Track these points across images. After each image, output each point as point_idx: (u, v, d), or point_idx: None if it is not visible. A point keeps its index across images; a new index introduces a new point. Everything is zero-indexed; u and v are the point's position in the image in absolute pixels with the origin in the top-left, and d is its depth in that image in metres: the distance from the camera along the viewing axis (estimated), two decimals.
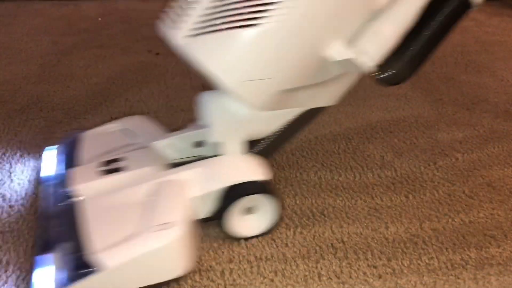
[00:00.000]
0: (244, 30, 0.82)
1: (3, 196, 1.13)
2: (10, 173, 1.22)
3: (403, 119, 1.55)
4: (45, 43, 2.20)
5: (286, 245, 1.00)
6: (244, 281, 0.91)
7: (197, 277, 0.90)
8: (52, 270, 0.82)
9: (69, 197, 0.94)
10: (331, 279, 0.92)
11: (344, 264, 0.96)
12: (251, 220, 0.99)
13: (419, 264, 0.96)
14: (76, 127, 1.46)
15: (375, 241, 1.02)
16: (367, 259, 0.97)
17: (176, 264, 0.86)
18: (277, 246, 1.00)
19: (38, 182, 1.17)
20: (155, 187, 0.92)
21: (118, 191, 0.93)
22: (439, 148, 1.38)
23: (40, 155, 1.23)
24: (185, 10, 0.87)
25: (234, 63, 0.85)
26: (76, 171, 1.00)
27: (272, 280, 0.92)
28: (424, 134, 1.47)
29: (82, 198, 0.93)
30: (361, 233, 1.04)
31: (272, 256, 0.97)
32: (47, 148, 1.22)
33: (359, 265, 0.96)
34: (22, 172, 1.22)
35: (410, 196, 1.17)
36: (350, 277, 0.93)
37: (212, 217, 0.98)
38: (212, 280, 0.91)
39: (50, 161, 1.14)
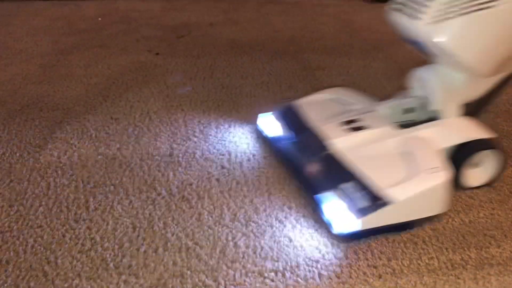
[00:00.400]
0: (481, 12, 1.01)
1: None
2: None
3: None
4: (45, 43, 2.20)
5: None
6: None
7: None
8: (343, 204, 0.99)
9: (325, 149, 1.13)
10: (331, 279, 0.92)
11: (344, 264, 0.96)
12: (477, 172, 1.17)
13: (419, 264, 0.96)
14: (76, 127, 1.46)
15: (375, 241, 1.02)
16: (367, 259, 0.97)
17: (443, 201, 1.04)
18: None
19: (267, 141, 1.36)
20: (403, 141, 1.13)
21: (370, 144, 1.13)
22: None
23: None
24: (426, 1, 1.07)
25: (472, 41, 1.05)
26: (325, 129, 1.19)
27: (272, 280, 0.92)
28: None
29: (342, 149, 1.12)
30: None
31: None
32: (260, 115, 1.42)
33: (359, 265, 0.96)
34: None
35: None
36: (350, 277, 0.93)
37: None
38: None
39: (272, 125, 1.35)
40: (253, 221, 1.07)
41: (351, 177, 1.04)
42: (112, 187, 1.19)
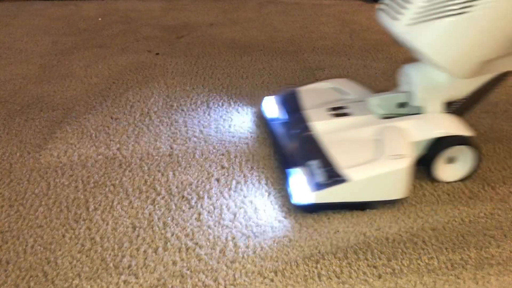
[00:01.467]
0: (456, 17, 1.03)
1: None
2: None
3: None
4: (45, 43, 2.20)
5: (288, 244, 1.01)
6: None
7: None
8: (304, 178, 1.06)
9: (308, 130, 1.21)
10: (331, 279, 0.92)
11: (344, 264, 0.96)
12: (452, 168, 1.20)
13: (419, 264, 0.96)
14: (76, 127, 1.46)
15: (375, 241, 1.02)
16: (367, 259, 0.97)
17: (401, 187, 1.09)
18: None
19: (266, 121, 1.44)
20: (379, 130, 1.17)
21: (349, 129, 1.19)
22: None
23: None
24: (405, 4, 1.09)
25: (447, 45, 1.07)
26: (313, 112, 1.27)
27: (272, 280, 0.92)
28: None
29: (320, 131, 1.19)
30: (361, 233, 1.04)
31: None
32: (265, 97, 1.50)
33: (359, 265, 0.96)
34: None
35: (410, 196, 1.17)
36: (350, 277, 0.93)
37: (416, 163, 1.16)
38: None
39: (272, 107, 1.43)
40: (253, 221, 1.07)
41: (318, 156, 1.11)
42: (112, 187, 1.19)
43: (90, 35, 2.33)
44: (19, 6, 2.81)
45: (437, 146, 1.17)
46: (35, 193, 1.17)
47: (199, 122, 1.50)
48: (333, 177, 1.05)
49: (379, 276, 0.93)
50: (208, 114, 1.55)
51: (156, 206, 1.12)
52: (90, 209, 1.11)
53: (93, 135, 1.43)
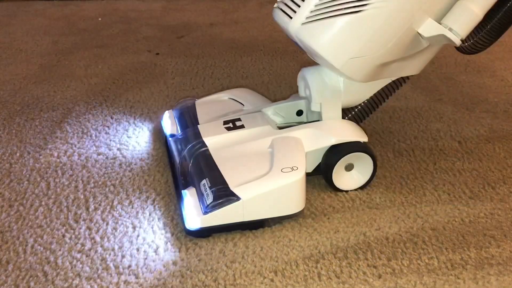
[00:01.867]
0: (349, 16, 0.99)
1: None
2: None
3: (403, 119, 1.55)
4: (45, 43, 2.20)
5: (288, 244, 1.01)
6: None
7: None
8: (195, 200, 1.01)
9: (201, 147, 1.13)
10: (331, 279, 0.92)
11: (344, 264, 0.96)
12: (351, 175, 1.17)
13: (419, 264, 0.96)
14: (76, 127, 1.46)
15: (375, 241, 1.02)
16: (367, 259, 0.97)
17: (296, 201, 1.04)
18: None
19: (163, 137, 1.37)
20: (273, 141, 1.12)
21: (242, 143, 1.13)
22: (439, 148, 1.38)
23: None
24: (299, 1, 1.05)
25: (341, 45, 1.03)
26: (204, 127, 1.21)
27: (272, 280, 0.92)
28: (423, 134, 1.47)
29: (212, 147, 1.12)
30: (361, 233, 1.04)
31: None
32: (165, 112, 1.41)
33: (359, 265, 0.96)
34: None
35: (410, 196, 1.17)
36: (350, 277, 0.93)
37: (312, 173, 1.16)
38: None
39: (168, 122, 1.35)
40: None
41: (209, 175, 1.05)
42: (112, 187, 1.19)
43: (90, 35, 2.33)
44: (19, 6, 2.81)
45: (333, 154, 1.13)
46: (35, 193, 1.17)
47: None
48: (222, 197, 0.98)
49: (379, 276, 0.93)
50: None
51: (156, 206, 1.12)
52: (90, 209, 1.11)
53: (93, 135, 1.43)
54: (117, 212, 1.10)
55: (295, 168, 1.03)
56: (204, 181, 1.04)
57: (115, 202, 1.13)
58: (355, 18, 1.00)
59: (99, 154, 1.33)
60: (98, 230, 1.04)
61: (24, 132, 1.44)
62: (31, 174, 1.24)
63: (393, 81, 1.20)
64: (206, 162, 1.09)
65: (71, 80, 1.81)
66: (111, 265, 0.95)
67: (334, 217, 1.09)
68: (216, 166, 1.06)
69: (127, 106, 1.61)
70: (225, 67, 1.95)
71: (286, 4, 1.10)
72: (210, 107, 1.35)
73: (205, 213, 0.98)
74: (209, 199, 0.99)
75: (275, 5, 1.15)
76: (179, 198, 1.09)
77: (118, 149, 1.35)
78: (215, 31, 2.40)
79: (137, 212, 1.10)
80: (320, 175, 1.18)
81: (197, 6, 2.86)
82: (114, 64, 1.96)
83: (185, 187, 1.07)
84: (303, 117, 1.28)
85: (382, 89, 1.20)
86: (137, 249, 0.99)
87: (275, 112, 1.27)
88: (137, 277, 0.92)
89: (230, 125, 1.20)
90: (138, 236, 1.03)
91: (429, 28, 1.01)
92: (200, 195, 1.02)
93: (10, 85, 1.76)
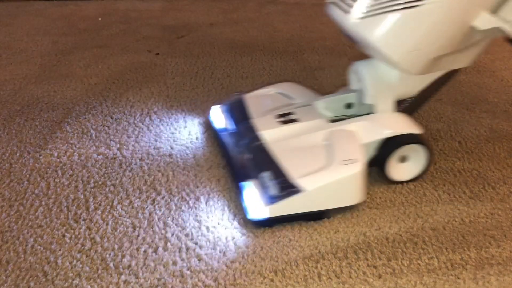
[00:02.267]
0: (406, 11, 1.02)
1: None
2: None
3: None
4: (45, 43, 2.20)
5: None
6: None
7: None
8: (257, 192, 1.04)
9: (257, 140, 1.17)
10: (331, 279, 0.92)
11: (344, 264, 0.96)
12: (405, 167, 1.19)
13: (419, 264, 0.96)
14: (76, 127, 1.46)
15: (375, 241, 1.02)
16: (367, 259, 0.97)
17: (357, 192, 1.07)
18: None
19: (214, 132, 1.40)
20: (328, 134, 1.16)
21: (298, 136, 1.17)
22: (439, 148, 1.38)
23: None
24: None
25: (398, 39, 1.06)
26: (259, 121, 1.24)
27: (272, 280, 0.92)
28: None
29: (269, 140, 1.16)
30: (361, 233, 1.04)
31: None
32: (213, 106, 1.46)
33: (359, 265, 0.96)
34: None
35: (410, 196, 1.17)
36: (350, 277, 0.93)
37: (368, 164, 1.16)
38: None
39: (219, 117, 1.39)
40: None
41: (270, 167, 1.08)
42: (112, 187, 1.19)
43: (90, 35, 2.33)
44: (19, 6, 2.80)
45: (388, 146, 1.15)
46: (35, 193, 1.17)
47: (199, 122, 1.50)
48: (286, 188, 1.02)
49: (379, 276, 0.93)
50: (209, 114, 1.55)
51: (156, 206, 1.12)
52: (90, 209, 1.11)
53: (93, 135, 1.43)
54: (117, 212, 1.10)
55: (355, 160, 1.06)
56: (265, 173, 1.07)
57: (115, 202, 1.13)
58: (412, 12, 1.02)
59: (99, 154, 1.33)
60: (98, 230, 1.04)
61: (24, 132, 1.44)
62: (31, 174, 1.24)
63: (445, 74, 1.22)
64: (265, 155, 1.13)
65: (71, 80, 1.81)
66: (111, 265, 0.95)
67: (334, 217, 1.09)
68: (276, 158, 1.10)
69: (127, 106, 1.61)
70: (225, 67, 1.95)
71: (342, 0, 1.13)
72: (260, 102, 1.39)
73: (270, 203, 1.01)
74: (274, 190, 1.02)
75: (329, 0, 1.19)
76: (238, 190, 1.13)
77: (118, 149, 1.35)
78: (215, 31, 2.40)
79: (137, 212, 1.10)
80: (372, 167, 1.19)
81: (197, 6, 2.86)
82: (114, 64, 1.96)
83: (244, 180, 1.10)
84: (351, 110, 1.29)
85: (433, 81, 1.22)
86: (137, 249, 0.99)
87: (326, 105, 1.29)
88: (137, 277, 0.92)
89: (284, 118, 1.24)
90: (138, 236, 1.03)
91: (485, 21, 1.03)
92: (262, 187, 1.05)
93: (10, 85, 1.76)
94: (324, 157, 1.09)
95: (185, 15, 2.67)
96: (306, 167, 1.06)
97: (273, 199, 1.01)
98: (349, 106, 1.29)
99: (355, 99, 1.28)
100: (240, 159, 1.17)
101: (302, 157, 1.11)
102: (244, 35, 2.35)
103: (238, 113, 1.35)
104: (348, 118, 1.21)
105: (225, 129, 1.33)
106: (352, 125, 1.18)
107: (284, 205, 1.01)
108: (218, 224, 1.06)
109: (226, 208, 1.11)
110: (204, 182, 1.20)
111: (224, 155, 1.29)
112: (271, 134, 1.18)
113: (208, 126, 1.46)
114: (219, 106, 1.44)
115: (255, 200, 1.03)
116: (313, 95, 1.40)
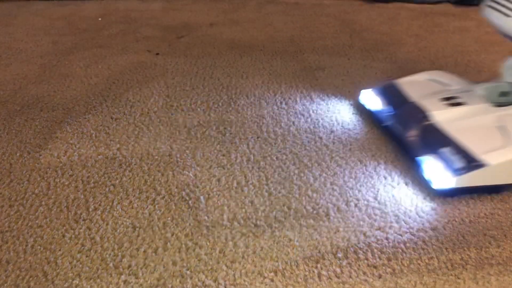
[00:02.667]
0: None
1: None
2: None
3: None
4: (45, 43, 2.20)
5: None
6: None
7: None
8: (440, 165, 1.13)
9: (428, 119, 1.27)
10: (331, 279, 0.92)
11: (344, 264, 0.96)
12: None
13: (419, 264, 0.96)
14: (76, 127, 1.46)
15: (375, 241, 1.02)
16: (367, 259, 0.97)
17: None
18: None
19: (370, 113, 1.51)
20: (496, 118, 1.26)
21: (468, 118, 1.27)
22: None
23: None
24: None
25: None
26: (426, 103, 1.34)
27: (272, 280, 0.92)
28: None
29: (439, 120, 1.26)
30: (361, 233, 1.04)
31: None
32: (362, 90, 1.57)
33: (359, 265, 0.96)
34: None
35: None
36: (350, 277, 0.93)
37: None
38: None
39: (373, 100, 1.50)
40: (252, 221, 1.07)
41: (449, 143, 1.18)
42: (112, 187, 1.19)
43: (90, 35, 2.33)
44: (19, 6, 2.81)
45: None
46: (35, 193, 1.17)
47: (199, 122, 1.50)
48: (472, 162, 1.10)
49: (379, 276, 0.93)
50: (208, 114, 1.55)
51: (156, 206, 1.12)
52: (90, 209, 1.11)
53: (93, 135, 1.43)
54: (117, 212, 1.10)
55: None
56: (445, 149, 1.16)
57: (115, 202, 1.13)
58: None
59: (99, 154, 1.33)
60: (98, 230, 1.04)
61: (24, 132, 1.44)
62: (31, 174, 1.24)
63: None
64: (440, 133, 1.23)
65: (71, 80, 1.81)
66: (111, 265, 0.95)
67: (335, 217, 1.09)
68: (452, 136, 1.19)
69: (127, 106, 1.61)
70: (225, 67, 1.95)
71: (501, 4, 1.24)
72: (416, 87, 1.49)
73: (458, 174, 1.10)
74: (459, 164, 1.12)
75: (486, 3, 1.29)
76: (412, 164, 1.23)
77: (118, 149, 1.35)
78: (215, 31, 2.40)
79: (137, 212, 1.10)
80: None
81: (197, 6, 2.86)
82: (114, 64, 1.96)
83: (418, 154, 1.21)
84: (506, 98, 1.38)
85: None
86: (137, 249, 0.99)
87: (485, 92, 1.38)
88: (137, 277, 0.92)
89: (451, 101, 1.35)
90: (138, 236, 1.03)
91: None
92: (444, 160, 1.14)
93: (10, 85, 1.76)
94: (500, 137, 1.18)
95: (185, 15, 2.67)
96: (486, 145, 1.15)
97: (459, 171, 1.10)
98: (503, 94, 1.39)
99: (510, 89, 1.40)
100: (411, 136, 1.27)
101: (478, 136, 1.20)
102: (244, 35, 2.35)
103: (392, 95, 1.45)
104: (508, 105, 1.31)
105: (381, 110, 1.45)
106: None
107: (470, 177, 1.10)
108: (219, 223, 1.06)
109: (225, 208, 1.11)
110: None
111: (388, 133, 1.40)
112: (441, 115, 1.29)
113: (358, 108, 1.56)
114: (370, 89, 1.55)
115: (439, 172, 1.12)
116: (466, 82, 1.49)
